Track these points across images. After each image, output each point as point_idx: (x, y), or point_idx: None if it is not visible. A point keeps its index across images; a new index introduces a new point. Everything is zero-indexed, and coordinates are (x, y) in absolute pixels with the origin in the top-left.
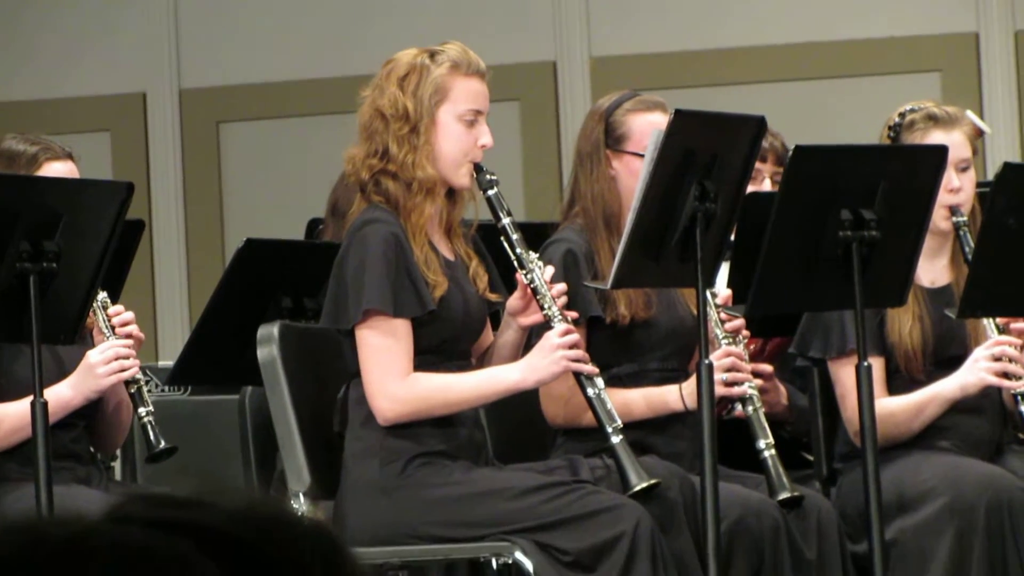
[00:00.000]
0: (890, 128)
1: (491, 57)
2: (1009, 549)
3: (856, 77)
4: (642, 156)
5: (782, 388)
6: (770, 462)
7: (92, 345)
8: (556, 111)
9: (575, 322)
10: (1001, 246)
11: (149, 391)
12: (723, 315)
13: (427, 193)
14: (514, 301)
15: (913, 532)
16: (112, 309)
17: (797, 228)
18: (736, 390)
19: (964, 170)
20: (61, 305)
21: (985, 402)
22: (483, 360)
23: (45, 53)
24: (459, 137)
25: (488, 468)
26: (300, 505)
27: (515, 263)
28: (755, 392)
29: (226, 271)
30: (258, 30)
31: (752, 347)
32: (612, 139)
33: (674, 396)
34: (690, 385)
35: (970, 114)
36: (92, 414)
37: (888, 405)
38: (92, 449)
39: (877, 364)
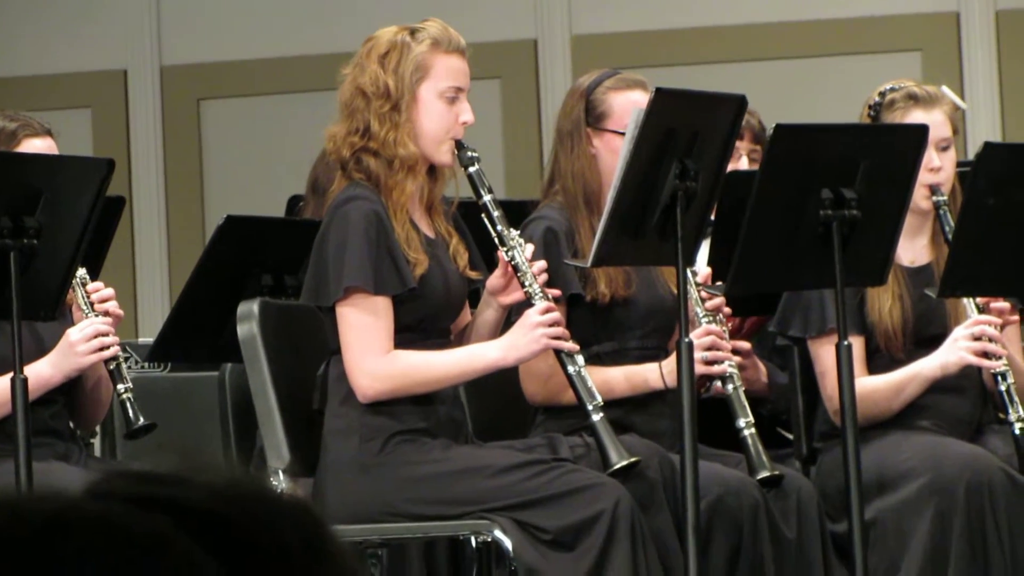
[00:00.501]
0: (870, 107)
1: (472, 35)
2: (989, 529)
3: (836, 56)
4: (623, 134)
5: (761, 366)
6: (750, 441)
7: (72, 322)
8: (537, 89)
9: (556, 300)
10: (981, 226)
11: (129, 368)
12: (703, 293)
13: (408, 170)
14: (495, 279)
15: (893, 512)
16: (92, 286)
17: (777, 207)
18: (715, 368)
19: (944, 149)
20: (41, 281)
21: (965, 382)
22: (463, 338)
23: (26, 30)
24: (440, 114)
25: (468, 446)
26: (279, 482)
27: (496, 241)
28: (735, 371)
29: (206, 248)
30: (239, 7)
31: (731, 325)
32: (593, 117)
33: (654, 374)
34: (670, 363)
35: (946, 90)
36: (72, 390)
37: (868, 384)
38: (72, 425)
39: (857, 343)
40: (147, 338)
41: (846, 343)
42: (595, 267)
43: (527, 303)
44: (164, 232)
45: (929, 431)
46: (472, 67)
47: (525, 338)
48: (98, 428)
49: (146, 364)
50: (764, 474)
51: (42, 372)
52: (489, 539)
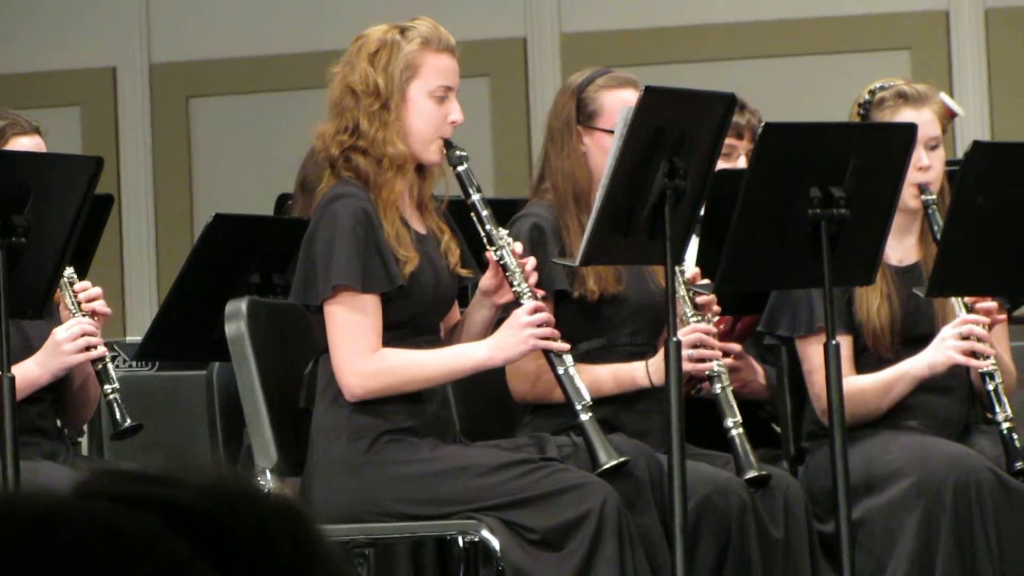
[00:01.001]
0: (860, 106)
1: (461, 33)
2: (976, 529)
3: (826, 55)
4: (612, 132)
5: (758, 367)
6: (737, 441)
7: (59, 321)
8: (526, 87)
9: (543, 298)
10: (970, 225)
11: (117, 366)
12: (692, 292)
13: (397, 169)
14: (487, 280)
15: (880, 512)
16: (79, 285)
17: (766, 205)
18: (703, 366)
19: (933, 148)
20: (29, 280)
21: (953, 382)
22: (453, 337)
23: (15, 28)
24: (430, 113)
25: (455, 445)
26: (267, 481)
27: (485, 240)
28: (723, 370)
29: (195, 246)
30: (228, 5)
31: (722, 326)
32: (583, 115)
33: (641, 373)
34: (657, 362)
35: (944, 97)
36: (59, 389)
37: (856, 383)
38: (59, 424)
39: (845, 342)
40: (135, 337)
41: (834, 342)
42: (583, 265)
43: (516, 303)
44: (152, 230)
45: (917, 431)
46: (461, 65)
47: (513, 338)
48: (85, 427)
49: (134, 363)
50: (752, 474)
51: (29, 371)
52: (476, 539)
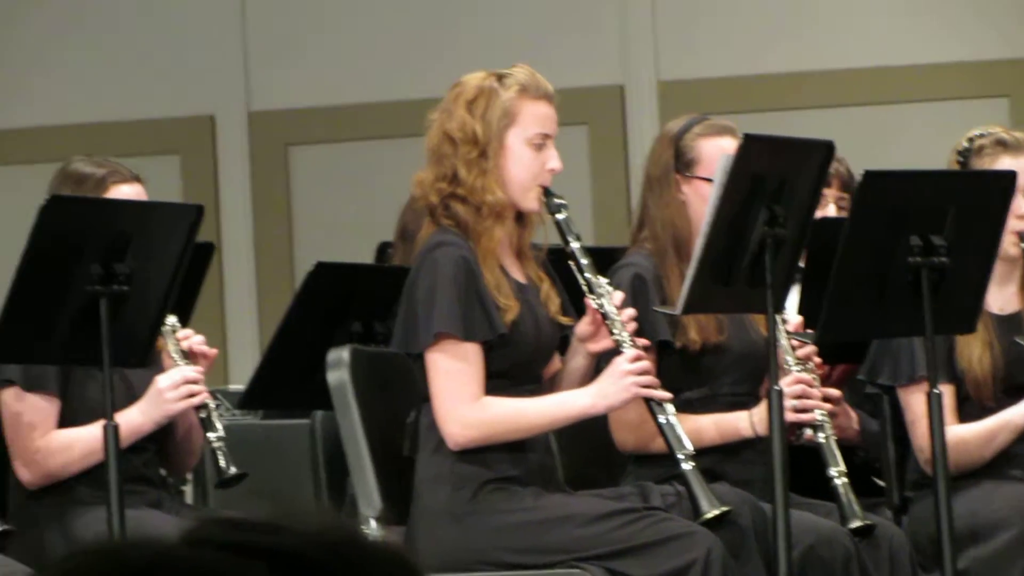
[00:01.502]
0: (959, 153)
1: (559, 81)
2: None
3: (924, 102)
4: (711, 181)
5: (852, 413)
6: (841, 490)
7: (162, 369)
8: (624, 135)
9: (645, 348)
10: None
11: (220, 415)
12: (793, 341)
13: (496, 217)
14: (583, 326)
15: (985, 562)
16: (181, 333)
17: (867, 254)
18: (806, 416)
19: None
20: (132, 328)
21: None
22: (553, 385)
23: (114, 76)
24: (528, 161)
25: (559, 494)
26: (371, 530)
27: (584, 288)
28: (826, 419)
29: (296, 295)
30: (327, 53)
31: (820, 372)
32: (682, 163)
33: (744, 422)
34: (760, 411)
35: None
36: (163, 438)
37: (959, 433)
38: (163, 473)
39: (947, 391)
40: (238, 385)
41: (936, 391)
42: (685, 314)
43: (616, 351)
44: (254, 278)
45: (1021, 481)
46: (560, 113)
47: (615, 386)
48: (189, 476)
49: (237, 411)
50: (856, 523)
51: (132, 419)
52: None
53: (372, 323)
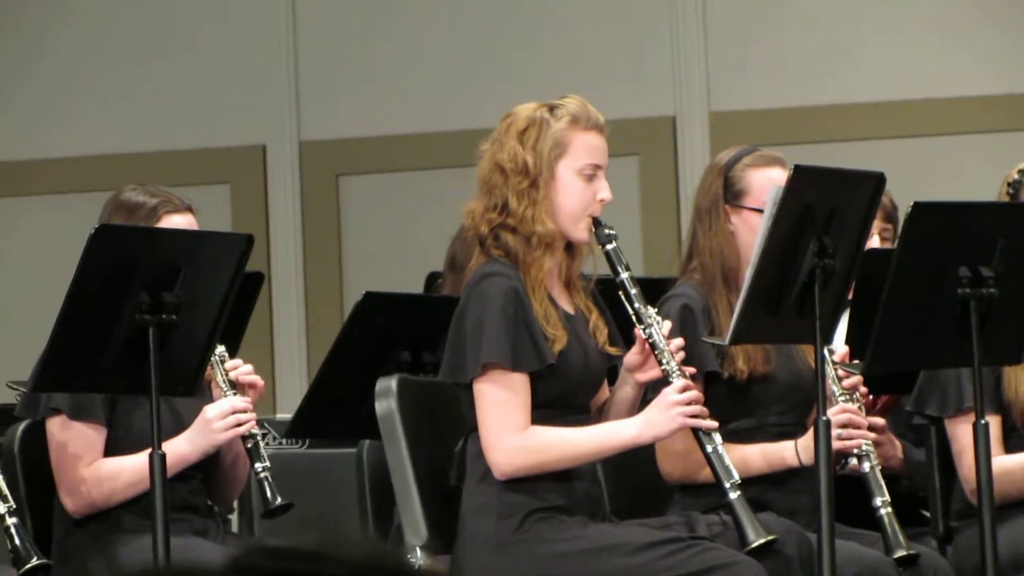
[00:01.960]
0: (1009, 185)
1: (610, 112)
2: None
3: (974, 134)
4: (761, 211)
5: (897, 442)
6: (886, 519)
7: (210, 399)
8: (675, 166)
9: (692, 377)
10: None
11: (267, 444)
12: (840, 372)
13: (546, 247)
14: (632, 356)
15: None
16: (230, 363)
17: (915, 285)
18: (851, 443)
19: None
20: (180, 357)
21: None
22: (600, 415)
23: (165, 106)
24: (578, 192)
25: (605, 524)
26: (418, 559)
27: (633, 318)
28: (871, 449)
29: (345, 324)
30: (377, 84)
31: (865, 402)
32: (731, 194)
33: (790, 452)
34: (806, 441)
35: None
36: (209, 467)
37: (1005, 463)
38: (209, 502)
39: (994, 422)
40: (285, 414)
41: (983, 422)
42: (733, 344)
43: (664, 381)
44: (303, 308)
45: None
46: (611, 144)
47: (662, 416)
48: (235, 505)
49: (284, 440)
50: (901, 553)
51: (179, 448)
52: None
53: (421, 353)
